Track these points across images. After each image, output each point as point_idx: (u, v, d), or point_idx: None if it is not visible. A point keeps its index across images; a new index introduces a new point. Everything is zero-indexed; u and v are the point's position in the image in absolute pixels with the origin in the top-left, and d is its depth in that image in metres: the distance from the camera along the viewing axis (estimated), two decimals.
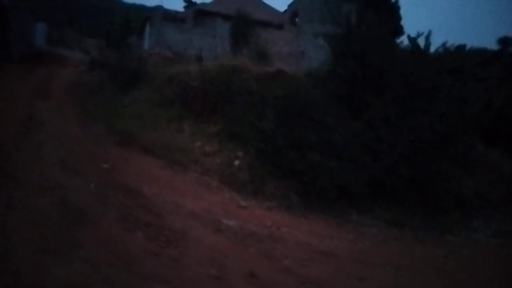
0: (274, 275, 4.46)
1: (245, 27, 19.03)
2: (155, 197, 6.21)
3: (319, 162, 7.87)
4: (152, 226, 5.02)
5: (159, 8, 23.37)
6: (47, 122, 8.84)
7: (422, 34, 10.77)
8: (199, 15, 23.91)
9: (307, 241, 5.87)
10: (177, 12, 28.90)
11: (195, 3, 37.97)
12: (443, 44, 11.24)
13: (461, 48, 12.43)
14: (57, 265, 3.56)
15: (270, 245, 5.42)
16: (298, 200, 7.65)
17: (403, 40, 11.49)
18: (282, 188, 7.86)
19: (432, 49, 11.00)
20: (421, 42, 10.91)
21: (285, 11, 28.30)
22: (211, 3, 25.82)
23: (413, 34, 11.11)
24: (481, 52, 19.85)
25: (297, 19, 25.92)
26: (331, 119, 8.58)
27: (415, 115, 9.31)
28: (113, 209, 5.27)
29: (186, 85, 11.26)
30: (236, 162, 8.53)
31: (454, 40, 11.85)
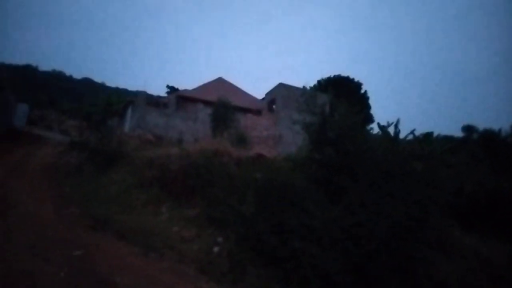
0: None
1: (226, 113, 19.93)
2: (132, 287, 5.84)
3: (300, 248, 7.75)
4: None
5: (142, 93, 24.35)
6: (20, 204, 8.54)
7: (392, 123, 11.55)
8: (181, 100, 25.01)
9: None
10: (159, 96, 30.12)
11: (177, 89, 39.91)
12: (412, 132, 12.03)
13: (429, 135, 13.27)
14: None
15: None
16: None
17: (373, 127, 12.29)
18: (263, 277, 7.57)
19: (401, 136, 11.73)
20: (391, 130, 11.67)
21: (263, 98, 30.10)
22: (193, 89, 27.22)
23: (382, 122, 11.91)
24: (447, 139, 21.24)
25: (274, 106, 27.45)
26: (310, 204, 8.68)
27: (390, 201, 9.56)
28: None
29: (165, 167, 11.32)
30: (216, 249, 8.28)
31: (420, 127, 12.74)
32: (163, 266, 7.41)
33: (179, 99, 24.87)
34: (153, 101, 24.58)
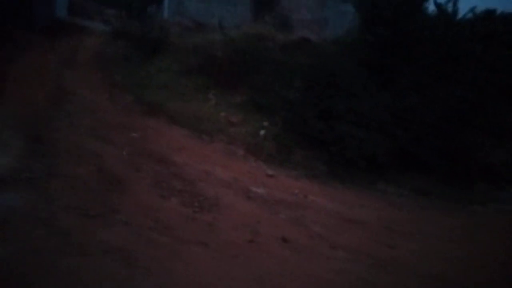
0: (306, 240, 4.56)
1: None
2: (186, 165, 6.33)
3: (347, 132, 7.82)
4: (186, 192, 5.16)
5: None
6: (76, 92, 9.00)
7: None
8: None
9: (336, 209, 5.93)
10: None
11: None
12: (472, 9, 10.70)
13: (490, 13, 11.76)
14: (100, 228, 3.72)
15: (299, 212, 5.51)
16: (326, 170, 7.67)
17: (428, 7, 10.97)
18: (309, 158, 7.88)
19: (460, 15, 10.50)
20: (449, 7, 10.41)
21: None
22: None
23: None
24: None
25: None
26: (359, 88, 8.43)
27: (445, 84, 9.04)
28: (147, 176, 5.42)
29: (210, 55, 11.16)
30: (262, 132, 8.54)
31: (482, 4, 11.18)
32: (215, 147, 7.86)
33: None
34: None
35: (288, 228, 4.89)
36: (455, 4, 10.23)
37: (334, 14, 22.27)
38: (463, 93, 8.92)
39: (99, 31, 18.49)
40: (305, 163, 7.91)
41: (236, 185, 6.07)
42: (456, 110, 8.82)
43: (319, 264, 3.98)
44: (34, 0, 15.46)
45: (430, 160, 8.45)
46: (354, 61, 9.32)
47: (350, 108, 8.34)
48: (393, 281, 3.90)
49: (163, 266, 3.27)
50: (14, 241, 3.12)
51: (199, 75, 10.97)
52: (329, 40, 12.06)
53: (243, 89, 10.13)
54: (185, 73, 11.15)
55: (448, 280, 4.10)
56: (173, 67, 11.51)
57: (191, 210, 4.73)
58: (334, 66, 9.02)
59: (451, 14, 10.39)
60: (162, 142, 7.29)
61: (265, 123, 8.85)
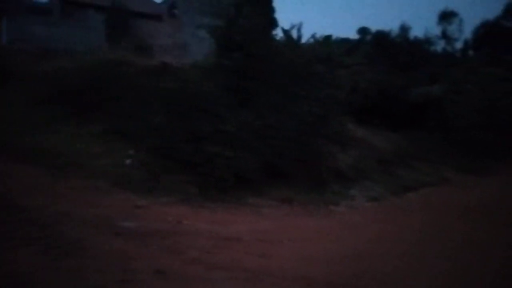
0: (182, 267, 4.46)
1: (122, 19, 17.95)
2: (40, 208, 5.57)
3: (215, 153, 8.05)
4: (44, 239, 4.54)
5: None
6: None
7: (295, 26, 11.72)
8: (67, 5, 21.61)
9: (211, 230, 5.98)
10: (38, 2, 25.65)
11: None
12: (313, 35, 12.45)
13: (328, 38, 13.89)
14: None
15: (173, 239, 5.37)
16: (197, 192, 7.71)
17: (278, 32, 12.37)
18: (180, 183, 7.81)
19: (304, 40, 12.11)
20: (293, 33, 11.90)
21: (163, 1, 27.49)
22: None
23: (285, 26, 12.01)
24: (344, 41, 22.40)
25: (175, 11, 25.44)
26: (223, 110, 8.81)
27: (296, 101, 10.16)
28: None
29: (63, 83, 10.19)
30: (128, 161, 8.13)
31: (320, 31, 13.21)
32: (74, 184, 7.13)
33: (64, 3, 21.46)
34: (31, 8, 20.86)
35: (163, 258, 4.71)
36: (299, 30, 11.70)
37: (193, 40, 22.89)
38: (311, 109, 10.19)
39: None
40: (177, 188, 7.80)
41: (102, 223, 5.59)
42: (307, 123, 9.99)
43: None
44: None
45: (291, 170, 9.32)
46: (215, 84, 9.74)
47: (216, 130, 8.64)
48: None
49: None
50: None
51: (51, 105, 9.88)
52: (189, 65, 12.32)
53: (103, 117, 9.51)
54: (35, 105, 9.90)
55: (312, 278, 4.52)
56: (21, 98, 10.11)
57: (52, 257, 4.17)
58: (196, 89, 9.26)
59: (296, 40, 11.84)
60: (10, 184, 6.29)
61: (131, 151, 8.46)
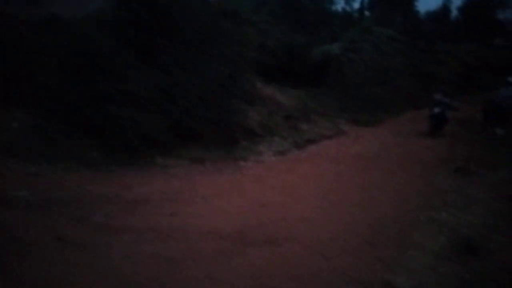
0: (86, 234, 4.32)
1: None
2: None
3: (119, 114, 7.62)
4: None
5: None
6: None
7: None
8: None
9: (117, 193, 5.80)
10: None
11: None
12: None
13: None
14: None
15: (76, 206, 5.10)
16: (101, 157, 7.31)
17: None
18: (80, 148, 7.29)
19: None
20: None
21: None
22: None
23: None
24: None
25: None
26: (125, 68, 8.26)
27: (204, 60, 9.98)
28: None
29: None
30: (15, 124, 7.25)
31: None
32: None
33: None
34: None
35: (65, 227, 4.48)
36: None
37: None
38: (220, 67, 10.13)
39: None
40: (78, 154, 7.28)
41: None
42: (217, 82, 9.95)
43: (101, 255, 3.87)
44: None
45: (202, 130, 9.33)
46: (116, 40, 9.00)
47: (120, 90, 8.12)
48: (176, 247, 4.23)
49: None
50: None
51: None
52: (84, 17, 11.10)
53: None
54: None
55: (224, 231, 4.76)
56: None
57: None
58: (94, 46, 8.47)
59: None
60: None
61: (18, 114, 7.54)
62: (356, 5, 29.95)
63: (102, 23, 9.17)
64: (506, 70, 15.52)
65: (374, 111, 16.31)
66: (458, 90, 19.85)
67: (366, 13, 28.10)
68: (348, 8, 28.07)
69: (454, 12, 29.48)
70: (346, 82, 16.66)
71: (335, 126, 13.29)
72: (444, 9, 29.28)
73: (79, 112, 7.61)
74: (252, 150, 9.66)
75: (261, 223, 5.10)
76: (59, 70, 8.16)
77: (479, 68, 21.24)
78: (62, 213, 4.82)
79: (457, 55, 21.82)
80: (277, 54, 15.48)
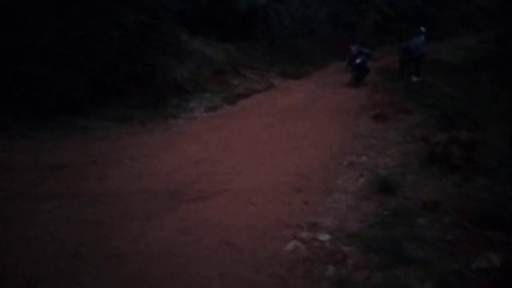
0: (4, 205, 4.02)
1: None
2: None
3: (28, 72, 6.81)
4: None
5: None
6: None
7: None
8: None
9: (36, 160, 5.37)
10: None
11: None
12: None
13: None
14: None
15: None
16: (11, 120, 6.59)
17: None
18: None
19: None
20: None
21: None
22: None
23: None
24: None
25: None
26: (33, 20, 7.27)
27: (120, 8, 9.15)
28: None
29: None
30: None
31: None
32: None
33: None
34: None
35: None
36: None
37: None
38: (139, 17, 9.38)
39: None
40: None
41: None
42: (136, 34, 9.26)
43: (23, 225, 3.63)
44: None
45: (124, 87, 8.78)
46: None
47: (28, 44, 7.20)
48: (105, 211, 4.10)
49: None
50: None
51: None
52: None
53: None
54: None
55: (156, 189, 4.69)
56: None
57: None
58: None
59: None
60: None
61: None
62: None
63: None
64: (419, 20, 16.64)
65: (302, 63, 16.66)
66: (377, 40, 20.98)
67: None
68: None
69: None
70: (274, 34, 16.59)
71: (265, 80, 13.37)
72: None
73: None
74: (182, 107, 9.41)
75: (193, 179, 5.11)
76: None
77: (396, 18, 22.42)
78: None
79: (377, 4, 22.70)
80: (202, 5, 14.73)
